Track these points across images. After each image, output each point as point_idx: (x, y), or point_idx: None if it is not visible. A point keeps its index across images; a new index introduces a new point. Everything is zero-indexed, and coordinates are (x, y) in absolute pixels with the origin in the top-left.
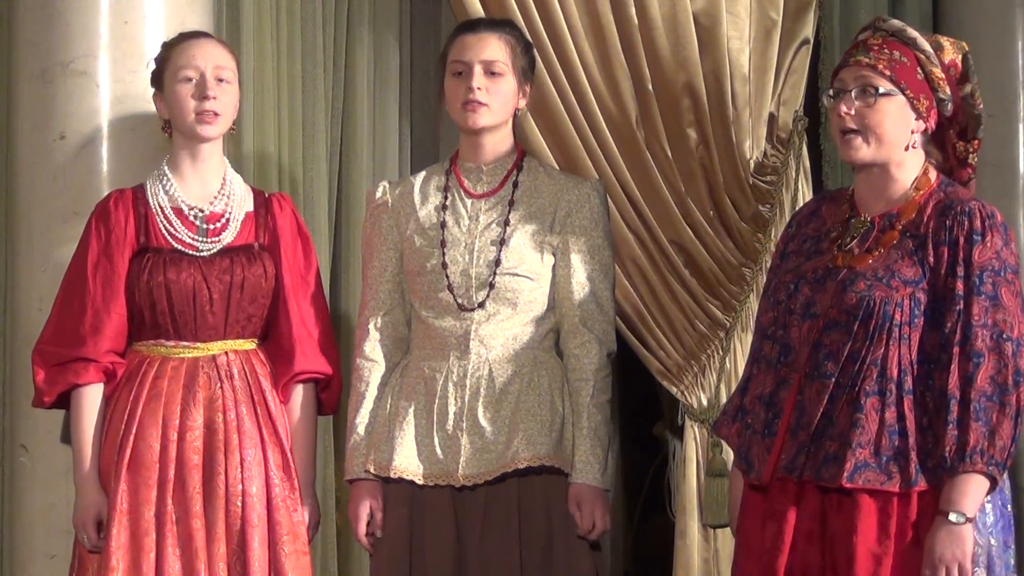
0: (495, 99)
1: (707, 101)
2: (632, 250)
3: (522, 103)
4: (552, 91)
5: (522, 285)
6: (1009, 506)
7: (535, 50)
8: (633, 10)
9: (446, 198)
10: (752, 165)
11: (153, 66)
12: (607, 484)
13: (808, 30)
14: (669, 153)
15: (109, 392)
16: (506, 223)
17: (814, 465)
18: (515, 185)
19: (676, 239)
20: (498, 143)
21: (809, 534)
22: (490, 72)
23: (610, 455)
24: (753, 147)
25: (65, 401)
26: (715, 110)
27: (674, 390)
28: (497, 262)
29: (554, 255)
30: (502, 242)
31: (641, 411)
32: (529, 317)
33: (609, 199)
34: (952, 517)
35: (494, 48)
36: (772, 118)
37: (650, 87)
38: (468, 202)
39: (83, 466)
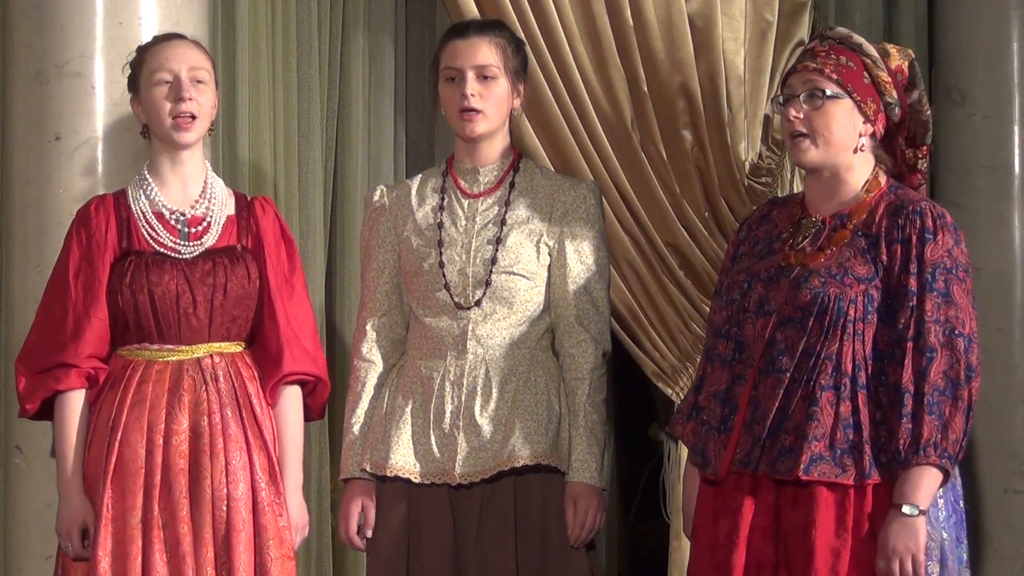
0: (490, 104)
1: (702, 103)
2: (627, 251)
3: (517, 103)
4: (548, 93)
5: (518, 284)
6: (961, 502)
7: (528, 48)
8: (628, 12)
9: (443, 199)
10: (747, 167)
11: (128, 70)
12: (603, 483)
13: (803, 31)
14: (664, 155)
15: (93, 398)
16: (502, 222)
17: (769, 459)
18: (511, 186)
19: (671, 240)
20: (494, 145)
21: (763, 530)
22: (483, 77)
23: (606, 455)
24: (748, 148)
25: (50, 411)
26: (710, 112)
27: (669, 392)
28: (493, 260)
29: (550, 255)
30: (498, 241)
31: (636, 413)
32: (525, 316)
33: (604, 200)
34: (905, 509)
35: (485, 52)
36: (767, 120)
37: (645, 89)
38: (465, 202)
39: (66, 473)
